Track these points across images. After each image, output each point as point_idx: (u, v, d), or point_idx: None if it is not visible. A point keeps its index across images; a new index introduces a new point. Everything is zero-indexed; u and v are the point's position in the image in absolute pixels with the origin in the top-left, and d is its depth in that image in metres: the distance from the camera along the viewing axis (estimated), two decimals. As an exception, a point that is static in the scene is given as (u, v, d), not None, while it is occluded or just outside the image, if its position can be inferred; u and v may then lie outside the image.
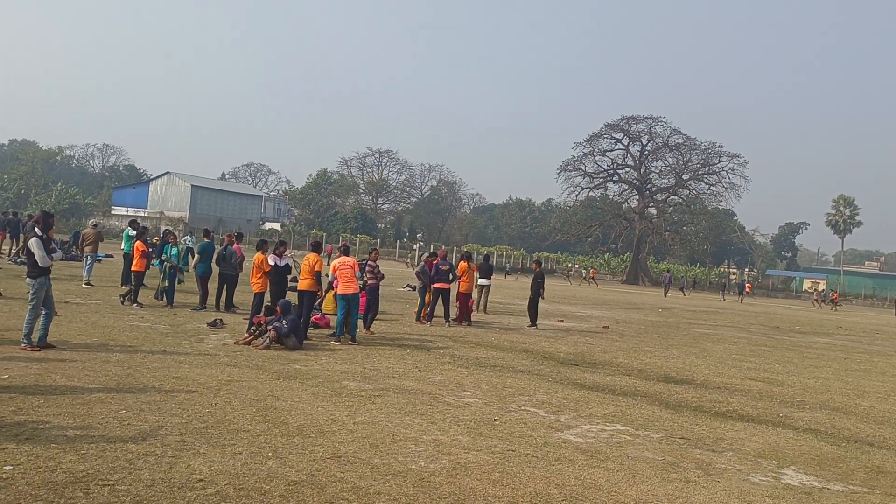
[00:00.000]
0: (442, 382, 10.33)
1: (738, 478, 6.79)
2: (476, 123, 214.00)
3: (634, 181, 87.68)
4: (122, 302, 15.93)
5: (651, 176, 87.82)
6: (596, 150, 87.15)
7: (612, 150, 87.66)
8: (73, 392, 7.73)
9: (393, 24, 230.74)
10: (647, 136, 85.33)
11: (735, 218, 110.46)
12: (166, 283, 16.52)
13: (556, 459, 6.81)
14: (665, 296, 54.09)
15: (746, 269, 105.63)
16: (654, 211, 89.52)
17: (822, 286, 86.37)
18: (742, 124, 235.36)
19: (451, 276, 17.74)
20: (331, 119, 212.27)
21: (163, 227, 64.62)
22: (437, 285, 17.53)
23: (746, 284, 66.74)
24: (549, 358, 14.00)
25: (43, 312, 9.98)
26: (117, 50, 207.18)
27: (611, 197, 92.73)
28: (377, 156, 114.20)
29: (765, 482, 6.74)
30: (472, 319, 18.83)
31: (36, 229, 10.08)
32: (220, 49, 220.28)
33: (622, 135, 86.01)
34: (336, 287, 14.15)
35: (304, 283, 13.43)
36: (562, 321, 22.59)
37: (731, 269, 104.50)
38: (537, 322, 19.51)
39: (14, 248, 27.18)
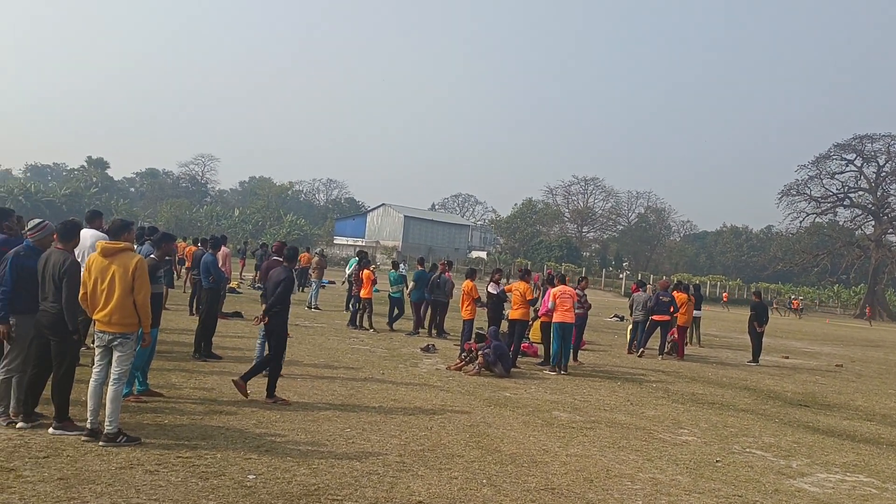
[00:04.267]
0: (656, 418, 9.91)
1: None
2: (686, 149, 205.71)
3: (869, 206, 79.37)
4: (368, 328, 17.05)
5: (889, 200, 78.95)
6: (823, 172, 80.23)
7: (842, 173, 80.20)
8: (304, 409, 8.34)
9: (610, 53, 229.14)
10: (884, 156, 77.07)
11: None
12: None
13: (789, 510, 6.24)
14: None
15: None
16: (893, 238, 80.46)
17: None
18: None
19: (672, 309, 17.03)
20: (537, 148, 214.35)
21: (394, 255, 68.46)
22: (656, 317, 16.88)
23: (793, 301, 60.15)
24: (774, 397, 12.97)
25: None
26: (341, 96, 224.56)
27: (841, 223, 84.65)
28: (582, 183, 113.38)
29: None
30: (686, 352, 17.94)
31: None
32: (431, 89, 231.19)
33: (854, 155, 78.45)
34: (544, 314, 14.16)
35: (516, 312, 13.51)
36: (787, 357, 20.87)
37: None
38: (759, 358, 18.17)
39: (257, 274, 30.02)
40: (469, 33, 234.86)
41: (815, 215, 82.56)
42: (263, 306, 8.87)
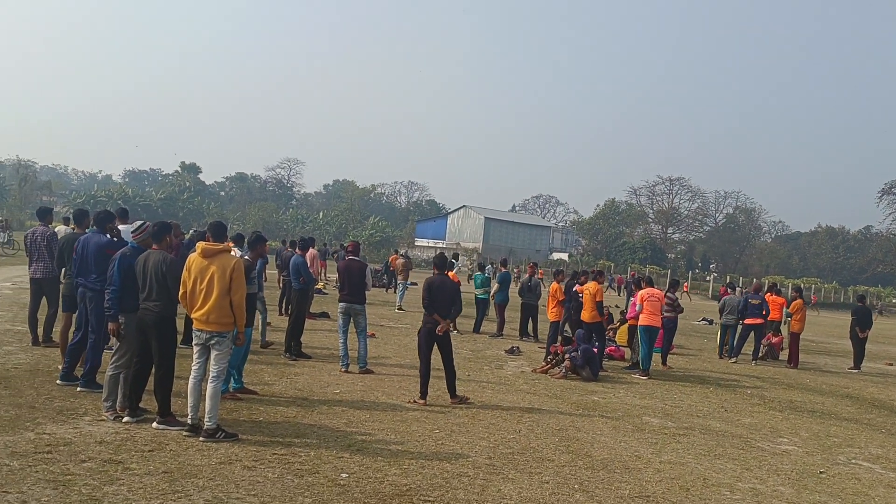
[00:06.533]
0: (753, 425, 9.54)
1: None
2: (776, 144, 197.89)
3: (980, 204, 74.73)
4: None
5: None
6: (928, 169, 75.89)
7: (949, 169, 75.75)
8: (392, 409, 8.41)
9: (698, 52, 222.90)
10: None
11: None
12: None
13: (903, 527, 5.89)
14: None
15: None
16: None
17: None
18: None
19: (763, 312, 16.40)
20: (620, 149, 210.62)
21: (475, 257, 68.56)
22: (748, 321, 16.31)
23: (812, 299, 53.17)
24: (879, 406, 12.30)
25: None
26: (421, 99, 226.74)
27: (948, 223, 79.99)
28: (667, 184, 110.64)
29: None
30: (782, 359, 17.25)
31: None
32: (511, 93, 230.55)
33: (962, 150, 73.93)
34: (632, 318, 13.85)
35: (585, 314, 13.14)
36: (891, 364, 19.80)
37: None
38: (862, 365, 17.29)
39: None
40: (546, 35, 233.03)
41: (919, 214, 78.28)
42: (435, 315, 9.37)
